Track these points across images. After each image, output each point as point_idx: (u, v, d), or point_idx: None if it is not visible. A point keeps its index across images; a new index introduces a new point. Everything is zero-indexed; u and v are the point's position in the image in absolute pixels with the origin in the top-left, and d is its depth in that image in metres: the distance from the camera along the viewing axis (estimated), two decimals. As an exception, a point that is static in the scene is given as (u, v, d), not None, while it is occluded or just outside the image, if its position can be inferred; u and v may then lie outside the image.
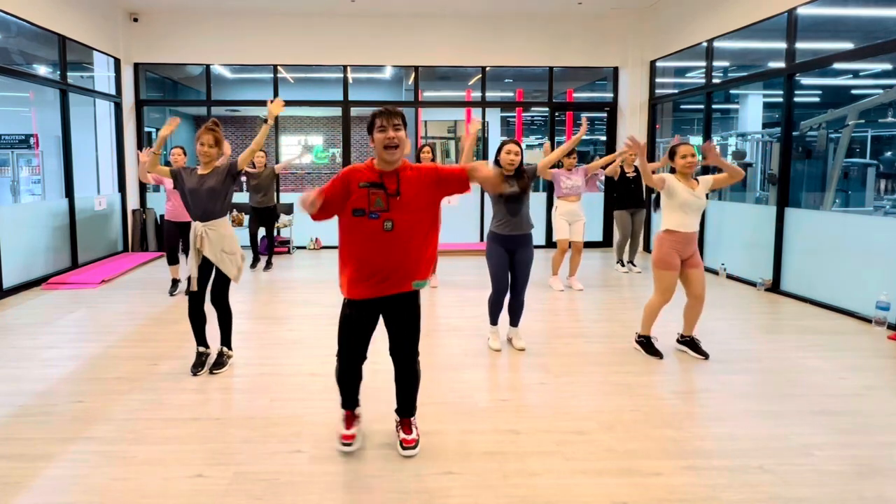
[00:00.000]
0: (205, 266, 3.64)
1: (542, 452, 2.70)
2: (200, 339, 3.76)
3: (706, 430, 2.93)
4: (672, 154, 3.91)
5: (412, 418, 2.78)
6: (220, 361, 3.77)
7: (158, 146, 3.76)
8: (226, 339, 3.83)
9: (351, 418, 2.77)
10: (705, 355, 3.96)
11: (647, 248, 8.83)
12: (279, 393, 3.39)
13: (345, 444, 2.70)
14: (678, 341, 4.13)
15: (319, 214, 2.47)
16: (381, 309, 2.62)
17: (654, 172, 4.01)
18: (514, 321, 4.25)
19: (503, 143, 4.01)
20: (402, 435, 2.71)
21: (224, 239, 3.61)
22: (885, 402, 3.28)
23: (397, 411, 2.80)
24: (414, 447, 2.68)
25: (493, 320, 4.21)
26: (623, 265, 7.17)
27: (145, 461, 2.61)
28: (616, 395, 3.38)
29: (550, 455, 2.67)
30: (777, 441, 2.80)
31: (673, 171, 3.95)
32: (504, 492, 2.37)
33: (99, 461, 2.61)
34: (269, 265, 7.34)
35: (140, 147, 8.82)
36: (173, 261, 5.87)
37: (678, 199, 3.80)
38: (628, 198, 6.92)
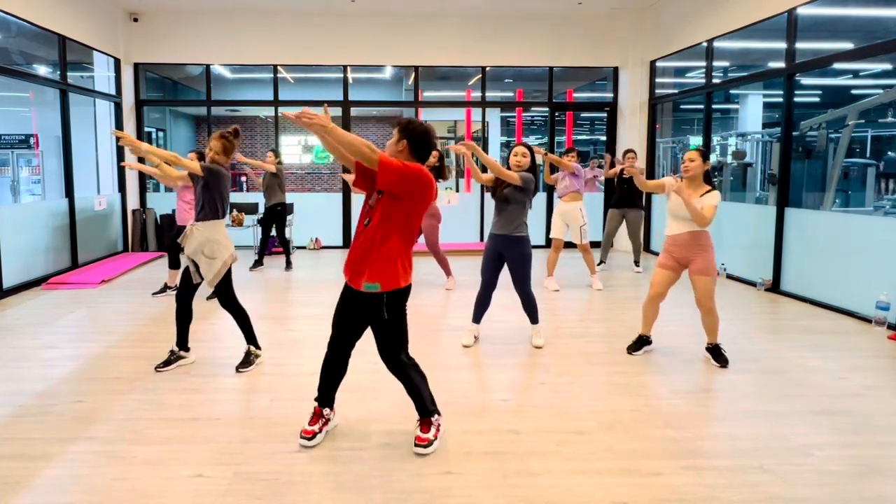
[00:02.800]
0: (194, 266, 3.69)
1: (542, 452, 2.69)
2: (180, 339, 3.78)
3: (706, 430, 2.93)
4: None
5: (430, 418, 2.76)
6: (247, 360, 3.77)
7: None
8: (250, 338, 3.82)
9: (318, 415, 2.79)
10: (723, 363, 3.84)
11: (646, 249, 8.83)
12: (279, 393, 3.39)
13: (303, 439, 2.72)
14: (705, 349, 4.00)
15: (358, 181, 2.61)
16: (357, 305, 2.66)
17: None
18: (531, 319, 4.29)
19: (514, 146, 4.20)
20: (417, 432, 2.73)
21: (208, 242, 3.60)
22: (885, 402, 3.28)
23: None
24: (425, 446, 2.67)
25: (474, 317, 4.31)
26: (604, 263, 7.18)
27: (145, 461, 2.61)
28: (616, 395, 3.38)
29: (550, 455, 2.67)
30: (777, 441, 2.80)
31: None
32: (504, 492, 2.37)
33: (99, 461, 2.61)
34: (288, 265, 7.34)
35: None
36: (174, 264, 5.83)
37: (668, 204, 3.87)
38: (622, 197, 6.97)
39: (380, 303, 2.57)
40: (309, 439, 2.72)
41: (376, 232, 2.52)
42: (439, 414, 2.81)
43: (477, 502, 2.31)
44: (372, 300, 2.57)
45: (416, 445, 2.68)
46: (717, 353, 3.91)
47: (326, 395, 2.81)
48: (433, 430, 2.74)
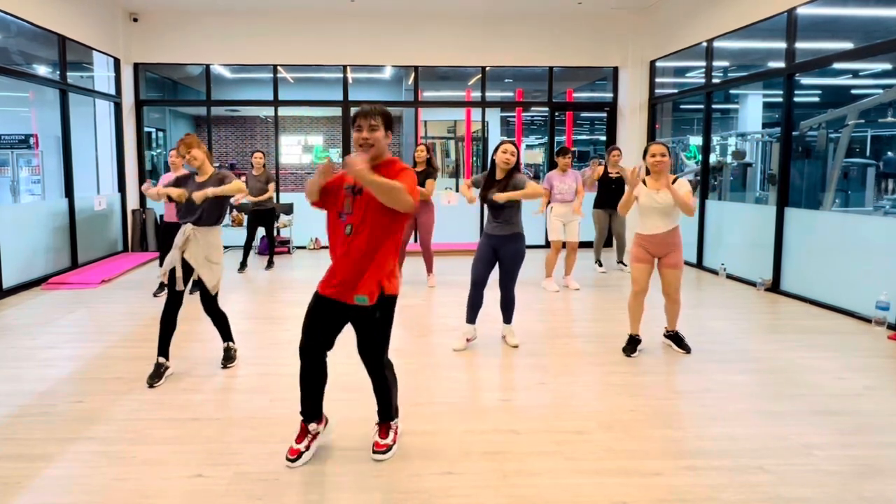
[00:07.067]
0: (186, 270, 3.56)
1: (542, 452, 2.70)
2: (163, 348, 3.57)
3: (706, 430, 2.93)
4: (645, 153, 4.02)
5: (390, 423, 2.71)
6: (229, 356, 3.80)
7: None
8: (227, 336, 3.83)
9: (304, 432, 2.61)
10: (687, 349, 4.05)
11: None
12: (279, 393, 3.39)
13: (288, 460, 2.54)
14: (664, 335, 4.22)
15: (318, 201, 2.50)
16: (346, 314, 2.50)
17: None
18: (506, 318, 4.29)
19: (500, 143, 4.10)
20: (376, 438, 2.67)
21: (211, 247, 3.57)
22: (885, 402, 3.28)
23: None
24: (384, 452, 2.61)
25: (468, 317, 4.23)
26: (601, 265, 7.16)
27: (145, 461, 2.61)
28: (616, 395, 3.38)
29: (550, 455, 2.67)
30: (777, 441, 2.80)
31: (648, 171, 4.04)
32: (504, 492, 2.37)
33: (99, 461, 2.61)
34: (270, 264, 7.37)
35: (140, 148, 8.84)
36: None
37: (639, 203, 3.94)
38: (607, 198, 6.94)
39: (374, 306, 2.44)
40: (294, 460, 2.54)
41: (379, 247, 2.39)
42: (398, 417, 2.77)
43: (477, 502, 2.31)
44: (371, 311, 2.45)
45: (374, 452, 2.60)
46: (678, 340, 4.09)
47: (312, 409, 2.60)
48: (392, 434, 2.69)
